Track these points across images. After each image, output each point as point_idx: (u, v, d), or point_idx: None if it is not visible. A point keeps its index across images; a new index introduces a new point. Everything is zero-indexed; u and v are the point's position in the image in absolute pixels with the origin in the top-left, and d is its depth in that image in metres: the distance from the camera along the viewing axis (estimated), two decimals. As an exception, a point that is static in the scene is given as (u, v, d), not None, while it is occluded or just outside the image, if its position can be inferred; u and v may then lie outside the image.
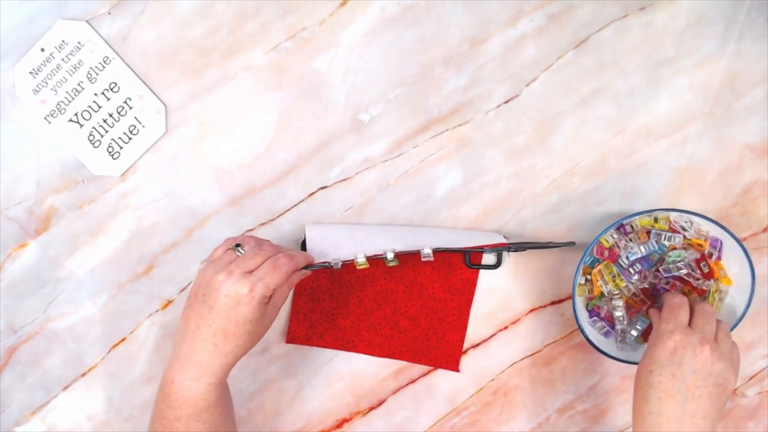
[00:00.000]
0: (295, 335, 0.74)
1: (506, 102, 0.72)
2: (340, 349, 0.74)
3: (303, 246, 0.71)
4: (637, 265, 0.70)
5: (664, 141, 0.73)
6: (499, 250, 0.71)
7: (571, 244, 0.73)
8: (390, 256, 0.68)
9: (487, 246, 0.71)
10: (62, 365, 0.74)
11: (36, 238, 0.72)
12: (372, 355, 0.74)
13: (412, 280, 0.73)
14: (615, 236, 0.71)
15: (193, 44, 0.70)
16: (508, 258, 0.74)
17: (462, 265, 0.73)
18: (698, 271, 0.70)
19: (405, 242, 0.70)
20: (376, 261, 0.70)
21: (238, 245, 0.62)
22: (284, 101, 0.71)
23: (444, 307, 0.73)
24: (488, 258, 0.74)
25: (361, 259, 0.68)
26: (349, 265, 0.69)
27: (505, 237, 0.72)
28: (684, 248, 0.70)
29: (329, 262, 0.68)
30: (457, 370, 0.75)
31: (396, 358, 0.75)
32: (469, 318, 0.74)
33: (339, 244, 0.70)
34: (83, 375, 0.74)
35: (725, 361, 0.61)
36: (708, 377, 0.60)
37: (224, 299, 0.58)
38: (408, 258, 0.72)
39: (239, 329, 0.59)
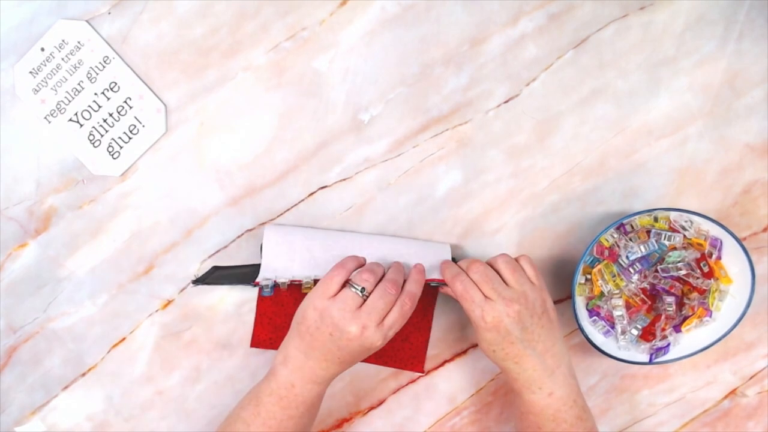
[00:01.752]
0: (260, 339, 0.73)
1: (506, 102, 0.72)
2: None
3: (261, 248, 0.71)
4: (637, 264, 0.70)
5: (664, 141, 0.73)
6: (436, 284, 0.69)
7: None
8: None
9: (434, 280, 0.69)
10: (62, 365, 0.74)
11: (36, 238, 0.72)
12: None
13: None
14: (615, 236, 0.71)
15: (193, 44, 0.70)
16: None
17: None
18: (698, 271, 0.70)
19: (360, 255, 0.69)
20: None
21: (355, 284, 0.63)
22: (284, 101, 0.71)
23: None
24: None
25: (307, 282, 0.69)
26: None
27: (452, 247, 0.72)
28: (684, 248, 0.70)
29: (276, 282, 0.69)
30: (422, 372, 0.75)
31: (360, 360, 0.74)
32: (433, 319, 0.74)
33: (294, 252, 0.70)
34: (83, 375, 0.74)
35: (530, 293, 0.63)
36: (533, 318, 0.63)
37: (358, 348, 0.62)
38: None
39: (363, 357, 0.65)
